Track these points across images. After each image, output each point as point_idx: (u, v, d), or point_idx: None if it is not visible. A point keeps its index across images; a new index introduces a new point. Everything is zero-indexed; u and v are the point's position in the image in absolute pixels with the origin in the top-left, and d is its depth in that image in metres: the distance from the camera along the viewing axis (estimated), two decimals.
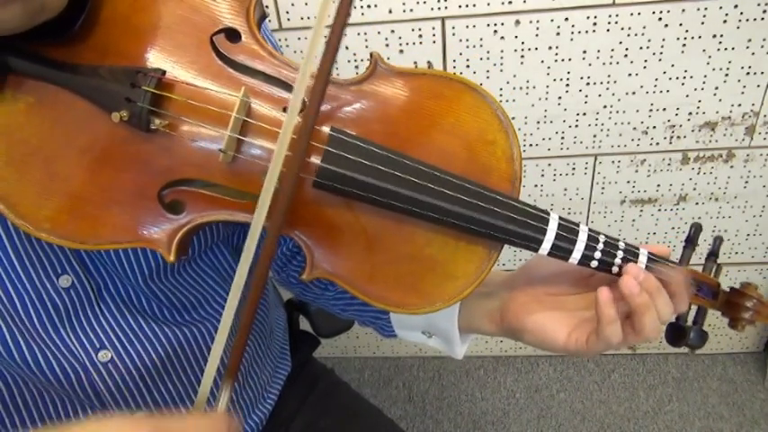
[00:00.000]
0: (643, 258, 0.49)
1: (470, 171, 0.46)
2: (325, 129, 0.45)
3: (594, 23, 1.08)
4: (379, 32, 1.13)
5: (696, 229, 0.55)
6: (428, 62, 1.16)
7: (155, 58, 0.44)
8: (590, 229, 0.48)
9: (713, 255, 0.56)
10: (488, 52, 1.13)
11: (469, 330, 0.60)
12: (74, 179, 0.44)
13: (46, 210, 0.44)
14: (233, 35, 0.46)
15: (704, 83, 1.14)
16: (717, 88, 1.15)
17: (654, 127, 1.21)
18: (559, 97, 1.18)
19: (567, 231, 0.47)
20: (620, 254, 0.48)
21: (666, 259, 0.51)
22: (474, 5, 1.08)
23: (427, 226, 0.46)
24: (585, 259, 0.48)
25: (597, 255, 0.48)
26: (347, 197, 0.45)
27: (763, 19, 1.06)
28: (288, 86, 0.45)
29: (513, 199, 0.46)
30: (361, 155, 0.44)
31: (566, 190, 1.32)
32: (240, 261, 0.40)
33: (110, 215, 0.45)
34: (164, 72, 0.43)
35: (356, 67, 1.18)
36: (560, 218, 0.47)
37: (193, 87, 0.44)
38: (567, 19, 1.08)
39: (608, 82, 1.15)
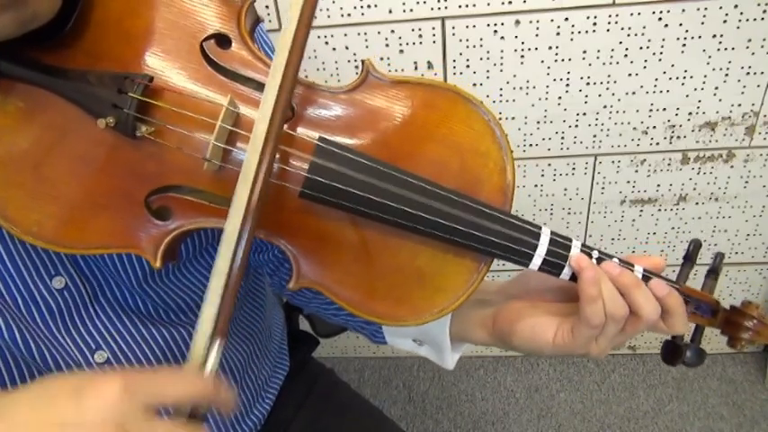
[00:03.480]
0: (638, 274, 0.48)
1: (462, 183, 0.45)
2: (313, 138, 0.44)
3: (594, 23, 1.08)
4: (379, 32, 1.13)
5: (695, 245, 0.53)
6: (428, 62, 1.16)
7: (144, 64, 0.44)
8: (583, 245, 0.47)
9: (713, 272, 0.54)
10: (488, 52, 1.13)
11: (461, 339, 0.60)
12: (61, 184, 0.44)
13: (34, 214, 0.44)
14: (223, 41, 0.45)
15: (704, 83, 1.14)
16: (717, 88, 1.15)
17: (654, 127, 1.21)
18: (559, 97, 1.18)
19: (559, 247, 0.46)
20: None
21: (662, 276, 0.49)
22: (474, 5, 1.08)
23: (415, 238, 0.45)
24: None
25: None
26: (334, 208, 0.44)
27: (763, 19, 1.06)
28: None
29: (503, 212, 0.45)
30: (348, 166, 0.43)
31: (566, 190, 1.32)
32: (214, 266, 0.39)
33: (97, 220, 0.45)
34: (151, 78, 0.42)
35: (356, 66, 1.18)
36: (552, 233, 0.46)
37: (181, 94, 0.43)
38: (567, 19, 1.08)
39: (608, 82, 1.15)
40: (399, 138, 0.46)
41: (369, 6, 1.10)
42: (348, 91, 0.46)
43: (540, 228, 0.46)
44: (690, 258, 0.53)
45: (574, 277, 0.47)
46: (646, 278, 0.48)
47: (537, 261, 0.46)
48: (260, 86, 0.45)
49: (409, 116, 0.46)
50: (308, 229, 0.46)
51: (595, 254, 0.47)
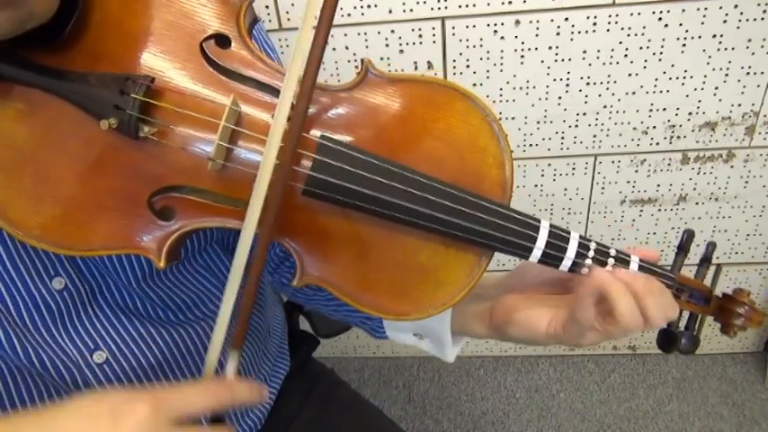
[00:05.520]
0: (634, 265, 0.49)
1: (461, 178, 0.46)
2: (315, 136, 0.44)
3: (594, 23, 1.08)
4: (379, 32, 1.13)
5: (688, 235, 0.54)
6: (428, 62, 1.16)
7: (144, 65, 0.44)
8: (581, 237, 0.48)
9: (706, 260, 0.55)
10: (488, 52, 1.13)
11: (461, 332, 0.60)
12: (64, 186, 0.44)
13: (36, 216, 0.44)
14: (223, 41, 0.45)
15: (704, 83, 1.14)
16: (717, 88, 1.15)
17: (654, 127, 1.21)
18: (559, 97, 1.18)
19: (558, 239, 0.47)
20: (611, 261, 0.48)
21: (658, 266, 0.50)
22: (474, 5, 1.08)
23: (417, 233, 0.46)
24: (576, 266, 0.47)
25: (588, 262, 0.47)
26: (337, 205, 0.44)
27: (763, 19, 1.06)
28: (278, 93, 0.45)
29: (502, 206, 0.46)
30: (350, 163, 0.43)
31: (566, 190, 1.32)
32: (232, 268, 0.40)
33: (100, 222, 0.45)
34: (152, 79, 0.43)
35: (356, 66, 1.18)
36: (551, 225, 0.47)
37: (182, 95, 0.44)
38: (567, 19, 1.08)
39: (608, 82, 1.15)
40: (399, 135, 0.46)
41: (369, 6, 1.10)
42: (348, 89, 0.46)
43: (540, 221, 0.47)
44: (683, 248, 0.54)
45: (573, 268, 0.48)
46: (641, 269, 0.49)
47: (537, 253, 0.47)
48: (260, 85, 0.45)
49: (408, 113, 0.47)
50: (311, 227, 0.46)
51: (593, 245, 0.48)
